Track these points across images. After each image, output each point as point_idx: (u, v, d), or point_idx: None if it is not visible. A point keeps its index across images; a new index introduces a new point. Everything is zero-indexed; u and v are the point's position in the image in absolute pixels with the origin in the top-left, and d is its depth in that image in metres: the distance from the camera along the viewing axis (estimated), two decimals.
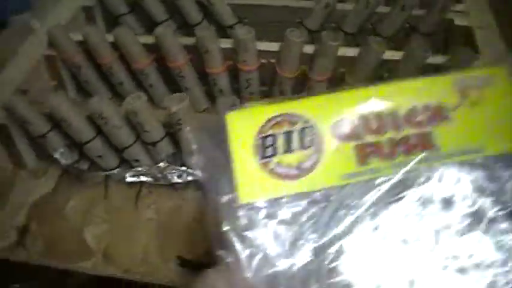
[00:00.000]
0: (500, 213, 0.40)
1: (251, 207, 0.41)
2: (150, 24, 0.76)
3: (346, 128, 0.43)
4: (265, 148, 0.42)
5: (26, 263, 0.62)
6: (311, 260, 0.40)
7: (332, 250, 0.40)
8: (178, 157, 0.63)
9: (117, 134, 0.60)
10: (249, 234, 0.40)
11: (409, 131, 0.43)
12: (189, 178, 0.63)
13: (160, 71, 0.72)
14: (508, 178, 0.42)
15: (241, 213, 0.41)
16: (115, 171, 0.65)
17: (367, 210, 0.41)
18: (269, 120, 0.43)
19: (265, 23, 0.77)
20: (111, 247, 0.63)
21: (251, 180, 0.42)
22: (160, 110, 0.61)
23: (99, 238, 0.64)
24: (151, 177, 0.63)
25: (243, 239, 0.40)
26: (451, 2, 0.71)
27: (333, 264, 0.39)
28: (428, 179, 0.41)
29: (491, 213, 0.40)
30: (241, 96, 0.70)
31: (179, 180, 0.63)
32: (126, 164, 0.65)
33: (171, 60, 0.68)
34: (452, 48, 0.58)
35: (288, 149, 0.42)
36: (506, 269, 0.39)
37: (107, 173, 0.65)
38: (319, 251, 0.40)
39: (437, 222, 0.41)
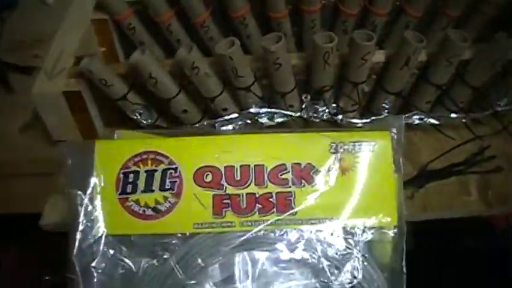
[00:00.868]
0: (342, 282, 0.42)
1: (100, 240, 0.42)
2: None
3: (209, 176, 0.44)
4: (125, 184, 0.43)
5: None
6: None
7: None
8: (265, 100, 0.63)
9: (208, 83, 0.59)
10: (93, 265, 0.41)
11: (271, 188, 0.43)
12: (280, 120, 0.63)
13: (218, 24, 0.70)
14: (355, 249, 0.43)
15: (90, 243, 0.42)
16: (204, 122, 0.63)
17: (214, 262, 0.42)
18: (135, 156, 0.44)
19: None
20: None
21: (108, 214, 0.43)
22: None
23: None
24: (244, 122, 0.63)
25: (85, 269, 0.41)
26: None
27: None
28: (278, 241, 0.43)
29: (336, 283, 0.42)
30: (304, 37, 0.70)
31: (271, 123, 0.63)
32: (209, 116, 0.64)
33: (233, 9, 0.67)
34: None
35: (148, 189, 0.43)
36: None
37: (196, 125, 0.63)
38: None
39: (280, 282, 0.42)
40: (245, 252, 0.43)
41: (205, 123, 0.63)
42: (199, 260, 0.42)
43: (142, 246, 0.43)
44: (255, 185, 0.44)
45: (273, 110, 0.62)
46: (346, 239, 0.43)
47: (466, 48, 0.58)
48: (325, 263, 0.43)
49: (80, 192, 0.44)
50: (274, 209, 0.43)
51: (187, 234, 0.43)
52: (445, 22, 0.69)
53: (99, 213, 0.43)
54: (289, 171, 0.44)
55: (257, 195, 0.44)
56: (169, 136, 0.48)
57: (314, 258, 0.43)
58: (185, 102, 0.62)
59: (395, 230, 0.44)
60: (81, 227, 0.42)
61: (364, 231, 0.44)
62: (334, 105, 0.64)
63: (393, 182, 0.45)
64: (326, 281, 0.43)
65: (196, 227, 0.43)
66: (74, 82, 0.61)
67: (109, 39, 0.72)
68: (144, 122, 0.63)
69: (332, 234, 0.43)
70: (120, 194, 0.43)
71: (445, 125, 0.66)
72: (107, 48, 0.73)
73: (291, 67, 0.59)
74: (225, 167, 0.45)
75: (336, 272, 0.43)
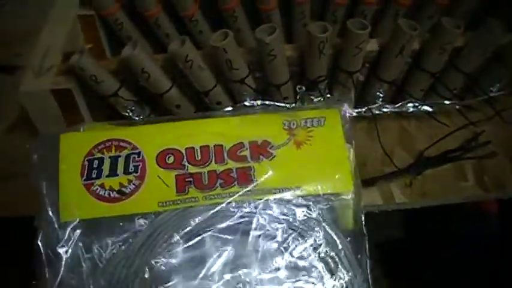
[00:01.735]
0: (306, 248, 0.44)
1: (69, 226, 0.42)
2: None
3: (170, 158, 0.46)
4: (90, 170, 0.45)
5: None
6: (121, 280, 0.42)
7: (142, 276, 0.42)
8: (259, 93, 0.62)
9: (202, 76, 0.58)
10: (61, 251, 0.42)
11: (231, 165, 0.46)
12: None
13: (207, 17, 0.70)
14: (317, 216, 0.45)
15: (58, 230, 0.42)
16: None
17: (181, 237, 0.43)
18: (99, 144, 0.46)
19: None
20: None
21: (73, 200, 0.44)
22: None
23: None
24: None
25: (55, 255, 0.42)
26: None
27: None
28: (242, 212, 0.44)
29: (300, 248, 0.43)
30: (294, 28, 0.70)
31: None
32: (202, 111, 0.63)
33: (223, 2, 0.66)
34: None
35: (112, 173, 0.45)
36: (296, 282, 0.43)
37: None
38: (130, 276, 0.42)
39: (247, 254, 0.44)
40: (211, 227, 0.44)
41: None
42: (166, 238, 0.43)
43: (109, 229, 0.43)
44: (215, 163, 0.46)
45: (267, 102, 0.61)
46: (307, 207, 0.45)
47: (459, 35, 0.57)
48: (289, 231, 0.44)
49: (45, 182, 0.45)
50: (236, 183, 0.45)
51: (153, 213, 0.44)
52: (432, 10, 0.69)
53: (65, 200, 0.44)
54: (247, 149, 0.47)
55: (218, 172, 0.45)
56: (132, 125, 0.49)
57: (277, 228, 0.44)
58: (178, 97, 0.61)
59: (353, 195, 0.46)
60: (46, 214, 0.43)
61: (323, 198, 0.46)
62: (328, 95, 0.63)
63: (345, 152, 0.48)
64: (291, 249, 0.44)
65: (161, 205, 0.44)
66: (63, 79, 0.59)
67: (95, 35, 0.71)
68: (137, 118, 0.62)
69: (293, 203, 0.45)
70: (85, 180, 0.45)
71: (439, 112, 0.66)
72: (94, 44, 0.72)
73: (285, 58, 0.57)
74: (186, 148, 0.47)
75: (300, 240, 0.44)
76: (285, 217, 0.44)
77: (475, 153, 0.64)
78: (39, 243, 0.42)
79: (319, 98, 0.60)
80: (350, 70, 0.60)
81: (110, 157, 0.46)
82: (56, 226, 0.43)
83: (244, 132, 0.48)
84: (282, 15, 0.69)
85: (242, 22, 0.69)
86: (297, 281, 0.43)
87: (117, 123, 0.51)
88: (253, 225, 0.44)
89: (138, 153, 0.46)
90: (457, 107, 0.65)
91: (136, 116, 0.62)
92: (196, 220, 0.44)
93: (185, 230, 0.43)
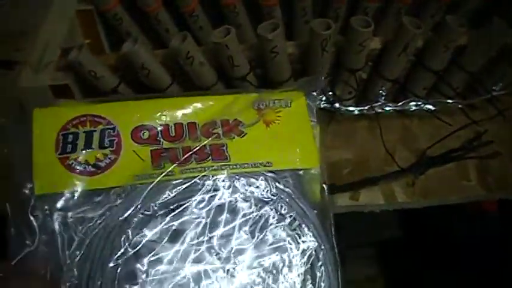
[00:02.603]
0: (276, 219, 0.45)
1: (44, 199, 0.42)
2: None
3: (145, 133, 0.47)
4: (65, 144, 0.44)
5: None
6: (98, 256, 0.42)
7: (120, 248, 0.42)
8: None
9: (203, 73, 0.58)
10: (36, 224, 0.42)
11: (205, 141, 0.47)
12: None
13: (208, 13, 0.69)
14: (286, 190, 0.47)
15: (34, 203, 0.42)
16: None
17: (157, 210, 0.44)
18: (73, 119, 0.45)
19: None
20: None
21: (48, 174, 0.44)
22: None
23: None
24: None
25: (30, 229, 0.42)
26: None
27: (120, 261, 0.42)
28: (216, 185, 0.45)
29: (271, 220, 0.45)
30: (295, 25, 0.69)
31: None
32: None
33: None
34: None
35: (87, 147, 0.45)
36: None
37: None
38: (108, 248, 0.42)
39: (221, 226, 0.45)
40: (187, 200, 0.45)
41: None
42: (143, 210, 0.43)
43: (85, 202, 0.43)
44: (189, 139, 0.47)
45: None
46: (276, 180, 0.47)
47: (463, 33, 0.57)
48: (260, 204, 0.46)
49: (17, 155, 0.44)
50: (210, 158, 0.46)
51: (129, 186, 0.44)
52: (435, 8, 0.68)
53: (39, 173, 0.44)
54: (219, 127, 0.48)
55: (192, 148, 0.47)
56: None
57: (250, 200, 0.46)
58: (179, 93, 0.59)
59: (319, 170, 0.49)
60: (19, 187, 0.43)
61: (291, 172, 0.48)
62: (330, 93, 0.62)
63: (311, 131, 0.50)
64: (263, 220, 0.46)
65: (137, 178, 0.44)
66: (62, 75, 0.58)
67: (94, 30, 0.70)
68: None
69: (264, 177, 0.47)
70: (60, 154, 0.44)
71: (442, 111, 0.66)
72: (92, 40, 0.71)
73: (287, 55, 0.57)
74: (161, 125, 0.47)
75: (270, 211, 0.46)
76: (256, 190, 0.46)
77: (478, 152, 0.63)
78: (11, 216, 0.41)
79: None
80: (353, 68, 0.59)
81: (84, 131, 0.46)
82: (31, 199, 0.42)
83: (216, 112, 0.49)
84: (283, 11, 0.67)
85: (243, 18, 0.68)
86: (269, 251, 0.45)
87: (93, 100, 0.51)
88: (227, 198, 0.45)
89: (113, 129, 0.46)
90: (459, 106, 0.65)
91: None
92: (173, 192, 0.44)
93: (161, 202, 0.44)
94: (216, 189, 0.46)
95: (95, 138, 0.46)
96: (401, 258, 1.12)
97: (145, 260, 0.42)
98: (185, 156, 0.46)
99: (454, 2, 0.66)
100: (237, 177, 0.46)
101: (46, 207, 0.42)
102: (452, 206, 0.77)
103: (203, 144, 0.47)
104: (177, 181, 0.45)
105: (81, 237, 0.42)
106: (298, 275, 0.44)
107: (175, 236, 0.44)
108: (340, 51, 0.59)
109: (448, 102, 0.64)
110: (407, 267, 1.10)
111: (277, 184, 0.47)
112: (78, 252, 0.41)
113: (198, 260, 0.43)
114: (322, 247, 0.46)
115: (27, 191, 0.43)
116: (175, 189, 0.45)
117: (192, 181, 0.45)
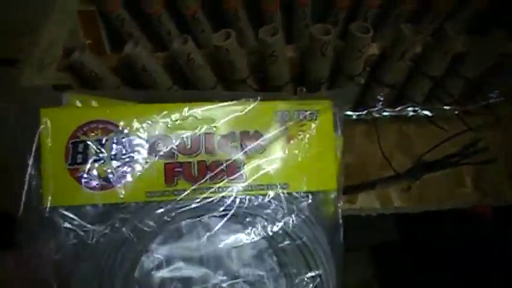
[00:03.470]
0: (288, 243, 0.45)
1: (52, 212, 0.41)
2: None
3: (161, 145, 0.44)
4: (75, 154, 0.42)
5: None
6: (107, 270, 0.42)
7: (128, 264, 0.42)
8: None
9: (203, 75, 0.58)
10: (45, 235, 0.41)
11: (221, 156, 0.45)
12: None
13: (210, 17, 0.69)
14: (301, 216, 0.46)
15: (42, 214, 0.41)
16: None
17: (167, 229, 0.44)
18: (84, 125, 0.43)
19: None
20: None
21: (57, 185, 0.42)
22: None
23: None
24: None
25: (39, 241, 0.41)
26: None
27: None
28: (230, 206, 0.44)
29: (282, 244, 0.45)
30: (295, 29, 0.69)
31: None
32: None
33: (227, 1, 0.66)
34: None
35: (98, 159, 0.43)
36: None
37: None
38: (116, 264, 0.42)
39: (233, 244, 0.45)
40: (197, 219, 0.44)
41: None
42: (153, 227, 0.43)
43: (95, 215, 0.43)
44: (205, 153, 0.45)
45: None
46: (291, 202, 0.45)
47: (461, 41, 0.57)
48: (273, 227, 0.45)
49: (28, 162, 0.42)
50: (225, 176, 0.44)
51: (140, 203, 0.43)
52: (434, 15, 0.69)
53: (47, 184, 0.42)
54: (237, 140, 0.45)
55: (208, 163, 0.44)
56: (120, 99, 0.47)
57: (262, 224, 0.45)
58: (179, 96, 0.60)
59: (336, 193, 0.47)
60: (26, 199, 0.41)
61: (307, 195, 0.46)
62: None
63: (333, 149, 0.47)
64: (275, 244, 0.45)
65: (149, 195, 0.43)
66: (64, 75, 0.58)
67: (96, 31, 0.70)
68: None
69: (280, 199, 0.45)
70: (69, 165, 0.43)
71: (438, 117, 0.66)
72: (93, 40, 0.71)
73: (287, 60, 0.57)
74: (176, 135, 0.45)
75: (282, 235, 0.45)
76: (269, 212, 0.45)
77: (474, 159, 0.64)
78: (20, 229, 0.40)
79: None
80: (351, 73, 0.60)
81: (95, 140, 0.43)
82: (38, 212, 0.41)
83: (236, 122, 0.46)
84: (283, 14, 0.68)
85: (244, 22, 0.69)
86: (277, 272, 0.45)
87: (103, 93, 0.49)
88: (239, 219, 0.45)
89: (126, 138, 0.44)
90: (456, 112, 0.65)
91: None
92: (183, 212, 0.44)
93: (172, 222, 0.44)
94: (227, 210, 0.45)
95: (107, 148, 0.44)
96: (396, 262, 1.12)
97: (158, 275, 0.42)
98: (200, 173, 0.44)
99: (453, 10, 0.67)
100: (252, 199, 0.45)
101: (54, 219, 0.42)
102: (447, 209, 0.78)
103: (220, 159, 0.45)
104: (190, 200, 0.44)
105: (89, 252, 0.41)
106: None
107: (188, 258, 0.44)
108: (339, 57, 0.59)
109: (445, 108, 0.65)
110: (402, 272, 1.11)
111: (291, 206, 0.46)
112: (87, 265, 0.41)
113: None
114: (330, 271, 0.45)
115: (36, 201, 0.42)
116: (186, 208, 0.44)
117: (204, 202, 0.44)
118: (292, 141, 0.46)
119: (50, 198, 0.42)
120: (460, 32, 0.56)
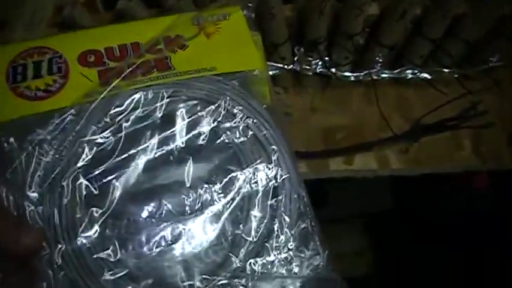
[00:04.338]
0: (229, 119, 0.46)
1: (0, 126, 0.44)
2: None
3: (91, 57, 0.48)
4: (15, 75, 0.47)
5: None
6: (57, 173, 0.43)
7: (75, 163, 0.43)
8: None
9: None
10: None
11: (149, 57, 0.49)
12: (271, 72, 0.61)
13: None
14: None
15: None
16: None
17: (110, 120, 0.45)
18: (21, 53, 0.48)
19: None
20: None
21: (1, 103, 0.46)
22: None
23: None
24: None
25: None
26: None
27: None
28: (165, 93, 0.46)
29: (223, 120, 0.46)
30: None
31: None
32: None
33: None
34: None
35: (37, 75, 0.47)
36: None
37: None
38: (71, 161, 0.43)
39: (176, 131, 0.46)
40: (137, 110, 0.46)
41: None
42: (96, 123, 0.45)
43: (40, 127, 0.44)
44: (134, 57, 0.48)
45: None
46: (223, 83, 0.48)
47: (461, 2, 0.56)
48: (209, 104, 0.46)
49: None
50: (155, 70, 0.48)
51: (81, 104, 0.45)
52: None
53: None
54: (161, 43, 0.49)
55: (137, 63, 0.48)
56: None
57: (200, 103, 0.47)
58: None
59: (265, 72, 0.50)
60: None
61: (237, 74, 0.49)
62: (327, 58, 0.62)
63: (251, 37, 0.51)
64: (217, 121, 0.46)
65: (87, 96, 0.46)
66: (55, 31, 0.57)
67: None
68: None
69: (211, 80, 0.48)
70: (11, 84, 0.46)
71: (438, 81, 0.65)
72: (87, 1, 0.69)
73: (285, 18, 0.56)
74: (105, 48, 0.49)
75: (222, 112, 0.46)
76: (205, 92, 0.47)
77: (472, 122, 0.63)
78: None
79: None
80: (350, 32, 0.59)
81: (33, 62, 0.48)
82: None
83: (158, 32, 0.50)
84: None
85: None
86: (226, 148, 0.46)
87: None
88: (178, 105, 0.46)
89: (60, 56, 0.48)
90: (455, 76, 0.65)
91: None
92: (122, 105, 0.46)
93: (114, 114, 0.45)
94: (163, 98, 0.46)
95: (43, 66, 0.48)
96: (391, 233, 1.12)
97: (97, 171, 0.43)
98: (131, 72, 0.47)
99: None
100: (184, 82, 0.48)
101: (2, 133, 0.43)
102: (444, 182, 0.77)
103: (148, 59, 0.49)
104: (125, 93, 0.46)
105: (39, 159, 0.42)
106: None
107: (132, 142, 0.45)
108: (338, 15, 0.58)
109: (445, 72, 0.64)
110: (396, 242, 1.11)
111: (224, 85, 0.48)
112: (38, 174, 0.42)
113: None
114: (277, 139, 0.46)
115: None
116: (123, 100, 0.46)
117: (140, 92, 0.46)
118: (211, 37, 0.51)
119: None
120: None
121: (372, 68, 0.63)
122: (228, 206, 0.43)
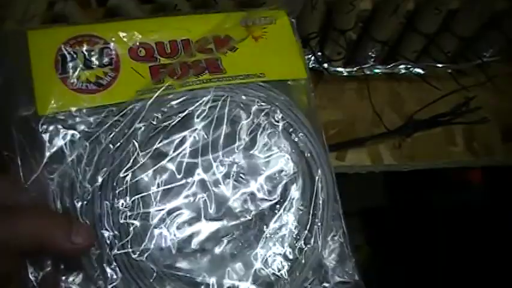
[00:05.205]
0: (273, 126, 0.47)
1: (49, 120, 0.42)
2: None
3: (142, 51, 0.47)
4: (65, 64, 0.45)
5: None
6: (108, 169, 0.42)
7: (128, 162, 0.43)
8: None
9: None
10: (43, 138, 0.42)
11: (200, 56, 0.48)
12: None
13: None
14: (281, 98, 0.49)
15: (37, 124, 0.42)
16: None
17: (161, 121, 0.45)
18: (70, 40, 0.45)
19: None
20: None
21: (51, 94, 0.44)
22: None
23: None
24: None
25: (38, 150, 0.41)
26: None
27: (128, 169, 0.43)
28: (216, 96, 0.46)
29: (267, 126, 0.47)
30: None
31: None
32: None
33: None
34: None
35: (87, 66, 0.45)
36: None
37: None
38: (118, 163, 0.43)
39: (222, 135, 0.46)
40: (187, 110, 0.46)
41: None
42: (147, 123, 0.44)
43: (90, 120, 0.44)
44: (185, 55, 0.48)
45: None
46: (271, 90, 0.48)
47: None
48: (256, 106, 0.47)
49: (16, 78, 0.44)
50: (207, 71, 0.47)
51: (132, 102, 0.45)
52: None
53: (41, 93, 0.43)
54: (211, 42, 0.49)
55: (188, 63, 0.47)
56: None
57: (246, 111, 0.47)
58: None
59: (308, 80, 0.51)
60: (21, 109, 0.42)
61: (283, 83, 0.50)
62: (319, 53, 0.61)
63: (297, 45, 0.52)
64: (256, 121, 0.47)
65: (140, 94, 0.45)
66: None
67: None
68: None
69: (259, 86, 0.48)
70: (60, 74, 0.44)
71: (431, 76, 0.65)
72: None
73: None
74: (156, 43, 0.48)
75: (269, 117, 0.47)
76: (253, 98, 0.47)
77: (466, 118, 0.63)
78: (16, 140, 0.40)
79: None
80: (342, 28, 0.58)
81: (83, 51, 0.45)
82: (34, 120, 0.42)
83: (207, 29, 0.50)
84: None
85: None
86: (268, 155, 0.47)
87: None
88: (226, 108, 0.47)
89: (110, 48, 0.47)
90: (449, 71, 0.64)
91: None
92: (174, 105, 0.45)
93: (164, 115, 0.45)
94: (215, 100, 0.47)
95: (94, 57, 0.46)
96: (384, 228, 1.12)
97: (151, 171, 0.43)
98: (183, 71, 0.47)
99: None
100: (235, 87, 0.48)
101: (51, 127, 0.42)
102: (438, 175, 0.77)
103: (199, 59, 0.48)
104: (177, 94, 0.46)
105: (89, 153, 0.42)
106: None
107: (179, 146, 0.45)
108: (330, 10, 0.58)
109: (438, 67, 0.64)
110: (392, 236, 1.11)
111: (271, 93, 0.48)
112: (88, 168, 0.42)
113: (204, 170, 0.45)
114: (317, 148, 0.47)
115: (29, 113, 0.42)
116: (175, 102, 0.46)
117: (191, 94, 0.46)
118: (259, 40, 0.51)
119: (43, 106, 0.43)
120: None
121: (364, 63, 0.63)
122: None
